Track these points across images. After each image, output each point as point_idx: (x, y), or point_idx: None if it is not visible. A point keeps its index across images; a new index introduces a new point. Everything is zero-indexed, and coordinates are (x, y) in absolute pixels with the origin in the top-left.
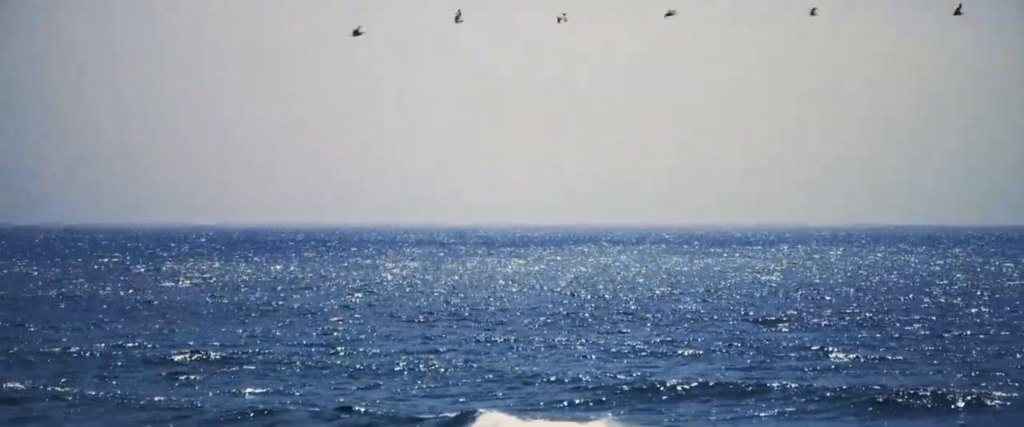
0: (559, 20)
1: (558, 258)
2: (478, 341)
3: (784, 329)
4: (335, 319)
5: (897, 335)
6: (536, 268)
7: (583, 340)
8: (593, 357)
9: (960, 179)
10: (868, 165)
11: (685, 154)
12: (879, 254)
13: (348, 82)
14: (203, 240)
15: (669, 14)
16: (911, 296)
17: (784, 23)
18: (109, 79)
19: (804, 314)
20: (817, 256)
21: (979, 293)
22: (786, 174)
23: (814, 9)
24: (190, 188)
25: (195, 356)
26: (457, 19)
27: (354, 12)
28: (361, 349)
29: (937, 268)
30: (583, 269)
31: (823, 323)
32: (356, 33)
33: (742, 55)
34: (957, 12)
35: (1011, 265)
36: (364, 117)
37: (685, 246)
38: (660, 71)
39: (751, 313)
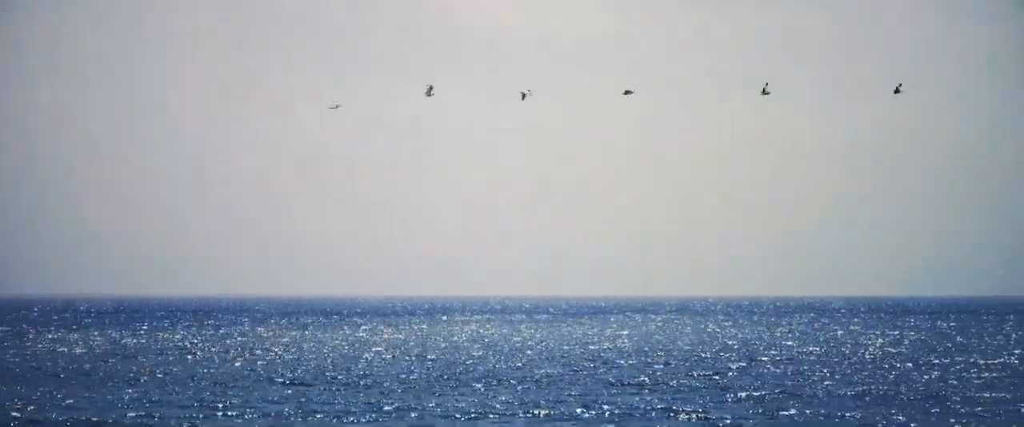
0: (524, 96)
1: (425, 327)
2: (348, 404)
3: (632, 392)
4: (216, 384)
5: (742, 395)
6: (402, 336)
7: (446, 404)
8: (460, 418)
9: (891, 254)
10: (802, 239)
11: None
12: (724, 322)
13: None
14: (88, 309)
15: (627, 93)
16: (749, 361)
17: (738, 101)
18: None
19: (653, 378)
20: (667, 325)
21: (810, 357)
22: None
23: (766, 88)
24: (82, 259)
25: (80, 420)
26: (428, 93)
27: (324, 87)
28: (240, 413)
29: (777, 335)
30: (452, 337)
31: (671, 384)
32: (334, 107)
33: (694, 132)
34: (896, 90)
35: (842, 331)
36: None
37: (542, 316)
38: (595, 147)
39: (605, 377)
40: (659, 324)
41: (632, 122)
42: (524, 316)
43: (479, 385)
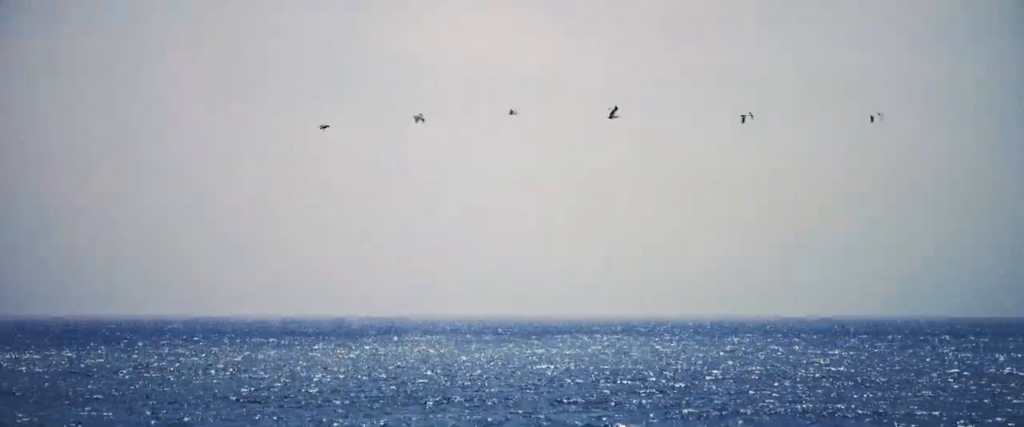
0: (511, 113)
1: (378, 347)
2: (301, 422)
3: (578, 410)
4: (171, 402)
5: (686, 412)
6: (354, 356)
7: (395, 423)
8: None
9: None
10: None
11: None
12: (669, 342)
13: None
14: (46, 329)
15: (612, 115)
16: (693, 379)
17: (716, 127)
18: None
19: (598, 396)
20: (613, 345)
21: (752, 376)
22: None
23: (746, 115)
24: (40, 280)
25: None
26: (418, 119)
27: (320, 108)
28: None
29: (720, 354)
30: (403, 357)
31: (615, 402)
32: (323, 128)
33: (675, 156)
34: (872, 119)
35: (782, 350)
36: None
37: (490, 336)
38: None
39: (551, 395)
40: (604, 344)
41: (607, 147)
42: (473, 336)
43: (427, 404)
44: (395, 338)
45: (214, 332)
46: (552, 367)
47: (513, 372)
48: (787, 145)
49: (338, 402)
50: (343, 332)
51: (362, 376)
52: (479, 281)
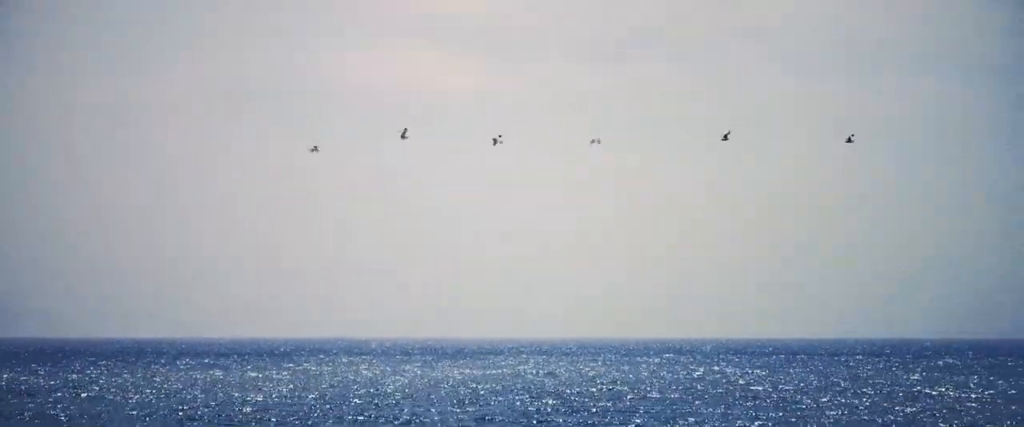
0: (495, 141)
1: (313, 369)
2: None
3: (502, 424)
4: (108, 421)
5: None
6: (288, 376)
7: None
8: None
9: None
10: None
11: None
12: (591, 362)
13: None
14: None
15: (594, 142)
16: (615, 399)
17: (698, 148)
18: None
19: (525, 415)
20: (540, 366)
21: (672, 395)
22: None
23: (727, 134)
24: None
25: None
26: (403, 135)
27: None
28: None
29: (644, 374)
30: (335, 377)
31: (537, 421)
32: (313, 150)
33: (655, 179)
34: (849, 140)
35: (702, 369)
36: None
37: (423, 357)
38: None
39: (477, 413)
40: (531, 365)
41: (586, 169)
42: (404, 356)
43: (358, 421)
44: (322, 356)
45: (150, 352)
46: (480, 386)
47: (444, 391)
48: (770, 168)
49: (271, 421)
50: (278, 352)
51: (296, 395)
52: (468, 305)
